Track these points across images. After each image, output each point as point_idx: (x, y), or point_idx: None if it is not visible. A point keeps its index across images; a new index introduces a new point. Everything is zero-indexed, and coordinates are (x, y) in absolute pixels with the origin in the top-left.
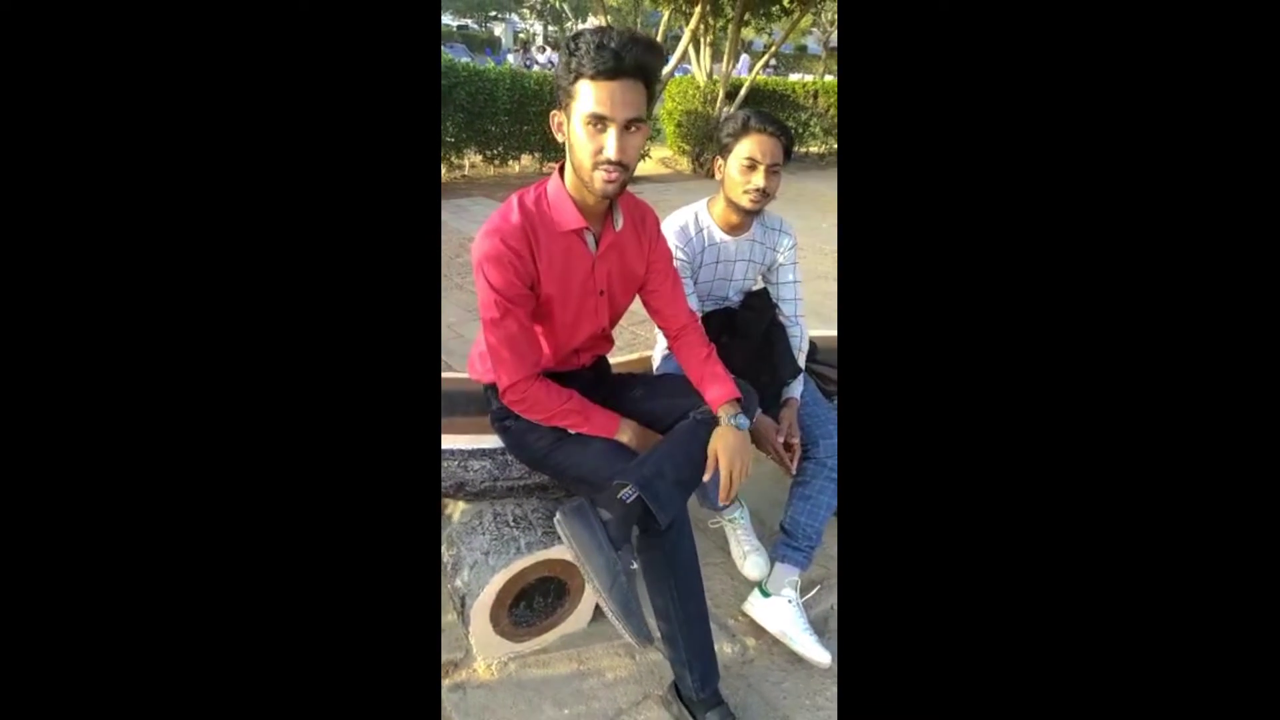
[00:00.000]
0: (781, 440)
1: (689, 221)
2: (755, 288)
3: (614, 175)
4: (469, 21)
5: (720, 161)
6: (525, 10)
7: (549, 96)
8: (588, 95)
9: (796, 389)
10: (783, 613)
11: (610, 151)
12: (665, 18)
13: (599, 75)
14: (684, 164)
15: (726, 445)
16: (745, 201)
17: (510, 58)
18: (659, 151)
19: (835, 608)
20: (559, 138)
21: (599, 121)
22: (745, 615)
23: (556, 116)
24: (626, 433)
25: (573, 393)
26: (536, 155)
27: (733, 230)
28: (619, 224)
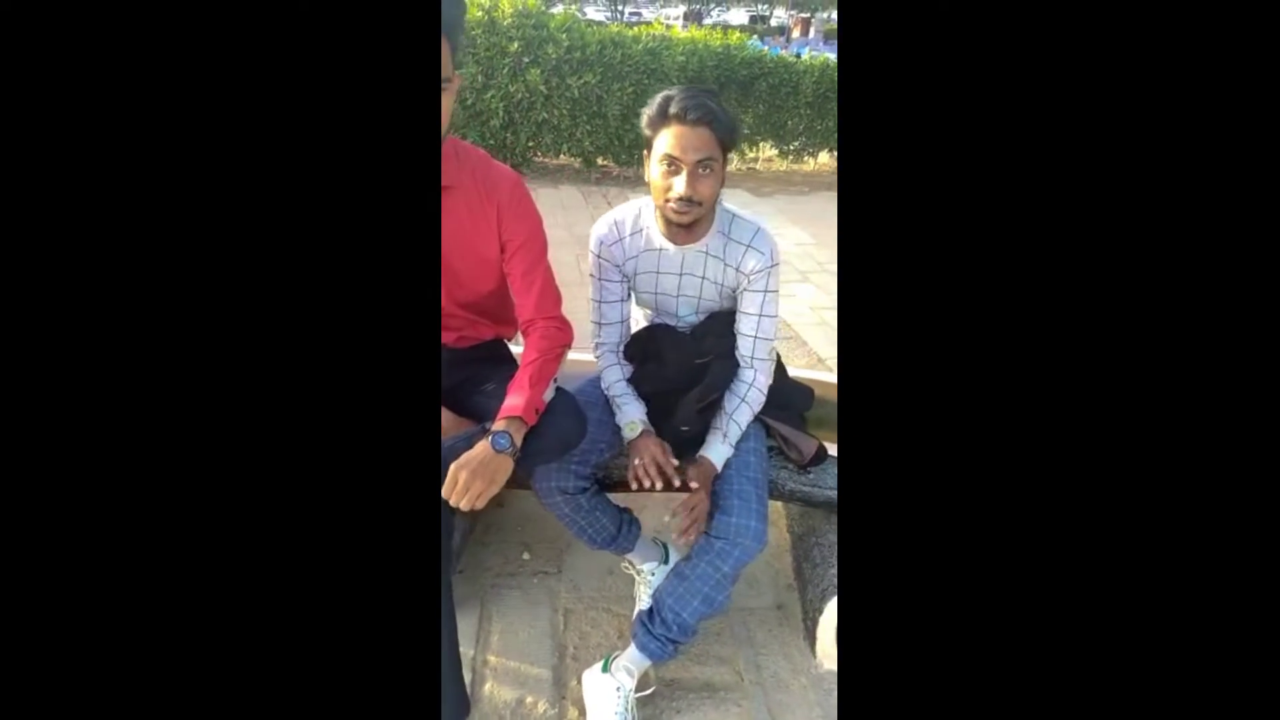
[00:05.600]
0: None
1: (625, 218)
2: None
3: None
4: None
5: (647, 156)
6: None
7: None
8: None
9: (716, 452)
10: (606, 699)
11: None
12: None
13: None
14: None
15: (469, 456)
16: (669, 213)
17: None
18: None
19: None
20: None
21: None
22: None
23: None
24: None
25: None
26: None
27: (676, 238)
28: None
